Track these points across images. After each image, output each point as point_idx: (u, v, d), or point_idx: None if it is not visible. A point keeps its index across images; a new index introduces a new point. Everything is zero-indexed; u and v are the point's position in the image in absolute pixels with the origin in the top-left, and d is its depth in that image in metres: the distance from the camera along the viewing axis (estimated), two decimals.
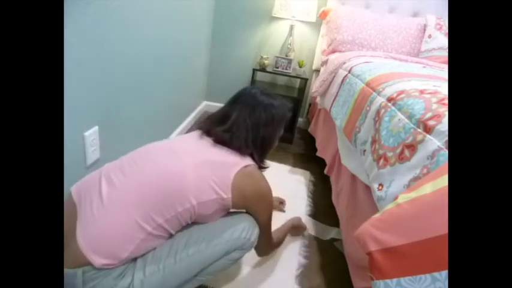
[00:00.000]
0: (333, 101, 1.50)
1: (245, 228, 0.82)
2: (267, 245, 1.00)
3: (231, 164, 0.79)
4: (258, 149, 0.88)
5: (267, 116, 0.87)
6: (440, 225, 0.44)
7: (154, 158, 0.76)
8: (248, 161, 0.82)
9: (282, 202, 1.45)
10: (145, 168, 0.73)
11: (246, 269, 1.07)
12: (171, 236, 0.75)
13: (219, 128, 0.85)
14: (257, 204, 0.85)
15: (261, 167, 0.92)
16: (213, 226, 0.80)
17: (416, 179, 0.63)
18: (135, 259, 0.70)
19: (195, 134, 0.88)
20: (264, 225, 0.91)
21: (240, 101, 0.90)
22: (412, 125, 0.71)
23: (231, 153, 0.82)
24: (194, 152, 0.79)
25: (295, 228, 1.25)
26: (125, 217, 0.66)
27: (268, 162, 0.95)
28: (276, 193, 1.20)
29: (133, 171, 0.72)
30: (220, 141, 0.83)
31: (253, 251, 0.95)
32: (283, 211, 1.44)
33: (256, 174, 0.83)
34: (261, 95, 0.91)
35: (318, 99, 2.00)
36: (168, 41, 1.57)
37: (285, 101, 0.95)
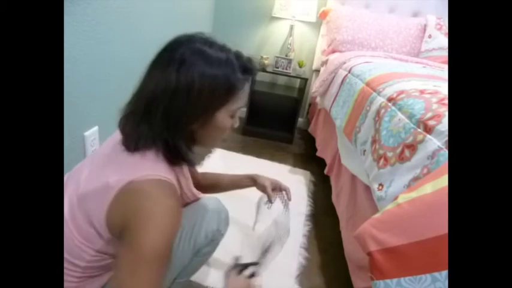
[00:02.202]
0: (333, 101, 1.50)
1: (210, 221, 0.72)
2: None
3: (108, 185, 0.51)
4: (159, 137, 0.53)
5: (181, 78, 0.51)
6: (440, 225, 0.44)
7: None
8: (146, 170, 0.51)
9: (283, 190, 0.99)
10: None
11: None
12: None
13: (122, 115, 0.60)
14: (132, 227, 0.48)
15: (177, 163, 0.57)
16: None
17: (416, 179, 0.63)
18: None
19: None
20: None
21: (161, 58, 0.58)
22: (412, 125, 0.71)
23: (130, 158, 0.53)
24: (83, 179, 0.57)
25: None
26: None
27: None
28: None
29: None
30: (123, 139, 0.57)
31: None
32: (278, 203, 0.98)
33: (142, 192, 0.49)
34: (190, 43, 0.55)
35: (318, 99, 2.00)
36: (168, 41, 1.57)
37: (239, 55, 0.59)
